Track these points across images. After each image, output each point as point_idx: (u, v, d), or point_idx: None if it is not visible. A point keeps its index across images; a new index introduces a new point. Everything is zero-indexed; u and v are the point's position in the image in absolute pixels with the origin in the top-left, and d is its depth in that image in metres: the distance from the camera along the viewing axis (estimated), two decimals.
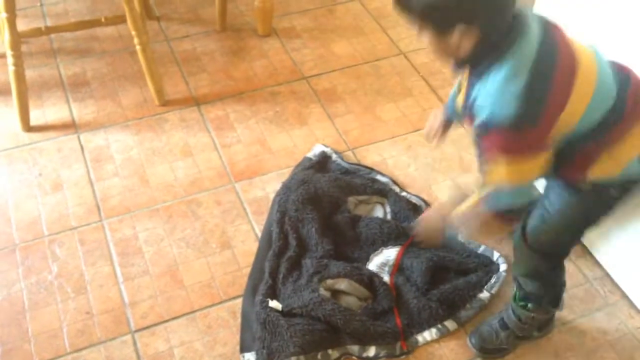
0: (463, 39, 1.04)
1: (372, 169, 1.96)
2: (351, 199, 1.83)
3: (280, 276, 1.65)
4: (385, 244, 1.70)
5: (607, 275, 1.70)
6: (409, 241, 1.69)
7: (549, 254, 1.39)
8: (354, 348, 1.53)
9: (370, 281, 1.61)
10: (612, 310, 1.65)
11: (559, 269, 1.46)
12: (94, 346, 1.55)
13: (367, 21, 2.53)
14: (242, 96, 2.20)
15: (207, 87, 2.23)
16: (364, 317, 1.56)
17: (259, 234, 1.79)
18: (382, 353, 1.53)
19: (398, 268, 1.66)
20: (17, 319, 1.59)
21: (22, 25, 1.97)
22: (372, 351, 1.53)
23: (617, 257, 1.65)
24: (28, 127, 2.05)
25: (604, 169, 1.18)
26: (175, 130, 2.08)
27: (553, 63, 1.05)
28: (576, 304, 1.65)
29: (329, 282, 1.60)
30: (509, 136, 1.07)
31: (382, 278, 1.63)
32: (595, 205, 1.28)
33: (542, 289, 1.46)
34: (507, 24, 1.04)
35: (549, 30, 1.08)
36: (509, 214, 1.39)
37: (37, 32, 2.06)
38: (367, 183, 1.88)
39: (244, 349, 1.53)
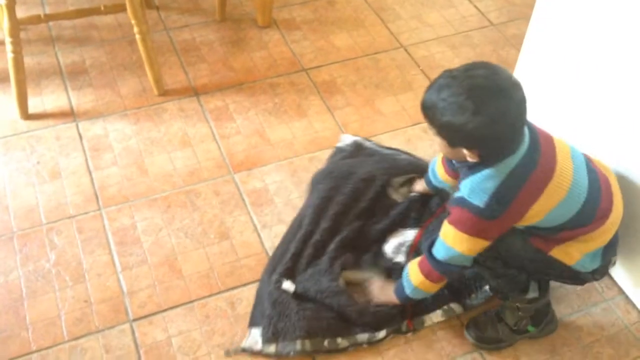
0: (466, 154, 1.28)
1: (407, 153, 1.97)
2: (395, 180, 1.82)
3: (303, 260, 1.65)
4: (404, 225, 1.72)
5: None
6: (428, 222, 1.69)
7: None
8: (364, 337, 1.55)
9: (388, 273, 1.64)
10: (609, 305, 1.66)
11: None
12: (92, 334, 1.55)
13: (367, 14, 2.52)
14: (241, 87, 2.19)
15: (206, 77, 2.22)
16: (376, 307, 1.56)
17: (258, 225, 1.79)
18: (390, 333, 1.56)
19: (415, 249, 1.67)
20: (15, 306, 1.59)
21: (20, 12, 1.96)
22: (381, 334, 1.55)
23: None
24: (26, 115, 2.04)
25: (563, 255, 1.38)
26: (174, 120, 2.07)
27: (528, 173, 1.28)
28: (573, 299, 1.66)
29: (348, 273, 1.62)
30: (471, 219, 1.31)
31: (400, 265, 1.63)
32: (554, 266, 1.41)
33: (499, 280, 1.47)
34: (504, 148, 1.27)
35: (537, 144, 1.30)
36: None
37: (35, 20, 2.04)
38: (410, 159, 1.91)
39: (252, 323, 1.56)
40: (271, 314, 1.53)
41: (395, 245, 1.67)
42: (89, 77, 2.19)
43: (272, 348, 1.51)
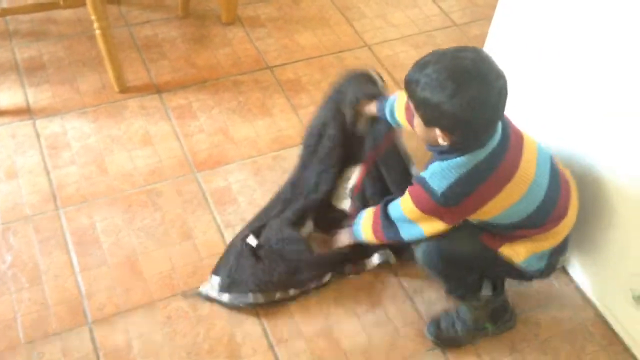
0: (439, 137, 1.27)
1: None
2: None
3: (273, 213, 1.73)
4: (348, 164, 1.77)
5: (562, 268, 1.74)
6: (367, 162, 1.72)
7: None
8: (312, 284, 1.64)
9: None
10: (566, 302, 1.69)
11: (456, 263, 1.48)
12: (49, 337, 1.51)
13: (332, 13, 2.52)
14: (205, 85, 2.17)
15: (168, 74, 2.19)
16: (325, 255, 1.65)
17: (221, 224, 1.77)
18: (333, 275, 1.67)
19: (359, 191, 1.74)
20: None
21: None
22: (326, 278, 1.66)
23: (570, 251, 1.69)
24: None
25: (511, 253, 1.41)
26: (135, 118, 2.03)
27: (491, 170, 1.29)
28: (531, 295, 1.69)
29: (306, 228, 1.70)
30: (427, 201, 1.34)
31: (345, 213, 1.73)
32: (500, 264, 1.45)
33: (451, 283, 1.51)
34: (476, 136, 1.27)
35: (507, 141, 1.31)
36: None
37: None
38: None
39: (215, 271, 1.64)
40: (232, 265, 1.62)
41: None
42: (47, 73, 2.13)
43: (225, 297, 1.58)
